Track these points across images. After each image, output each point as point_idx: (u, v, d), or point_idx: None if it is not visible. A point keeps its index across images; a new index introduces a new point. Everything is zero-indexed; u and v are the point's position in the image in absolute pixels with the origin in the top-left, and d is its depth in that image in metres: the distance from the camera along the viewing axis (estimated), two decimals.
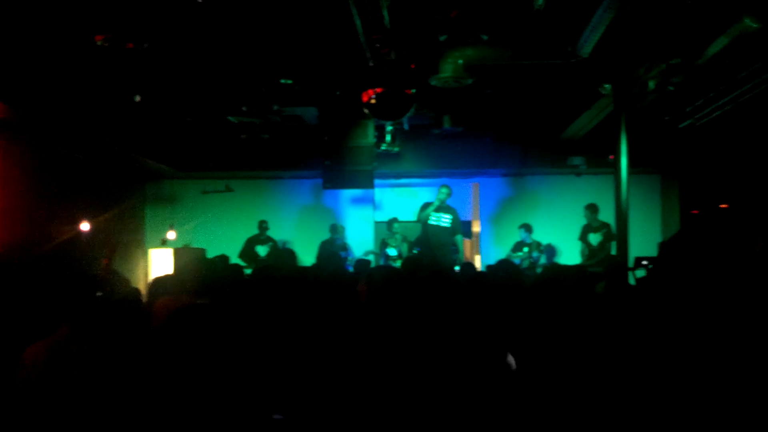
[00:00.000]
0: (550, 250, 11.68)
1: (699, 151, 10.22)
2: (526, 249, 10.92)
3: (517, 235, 11.17)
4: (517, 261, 10.44)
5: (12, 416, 3.00)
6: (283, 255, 6.59)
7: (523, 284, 5.23)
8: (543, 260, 11.03)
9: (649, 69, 7.34)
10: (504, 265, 6.48)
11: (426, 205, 10.19)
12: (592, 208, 10.55)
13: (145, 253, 12.37)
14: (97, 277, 4.26)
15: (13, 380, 3.02)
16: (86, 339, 3.11)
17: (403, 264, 7.22)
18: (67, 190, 9.46)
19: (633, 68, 7.51)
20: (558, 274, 4.43)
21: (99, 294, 3.22)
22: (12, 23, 6.29)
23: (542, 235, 11.27)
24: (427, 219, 10.02)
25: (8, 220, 7.95)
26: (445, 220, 10.02)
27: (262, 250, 10.90)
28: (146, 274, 12.04)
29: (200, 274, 3.99)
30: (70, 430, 2.95)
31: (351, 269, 8.29)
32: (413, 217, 10.95)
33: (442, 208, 10.07)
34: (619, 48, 7.11)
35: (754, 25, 5.73)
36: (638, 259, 7.55)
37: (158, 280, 4.98)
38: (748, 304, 2.63)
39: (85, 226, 9.54)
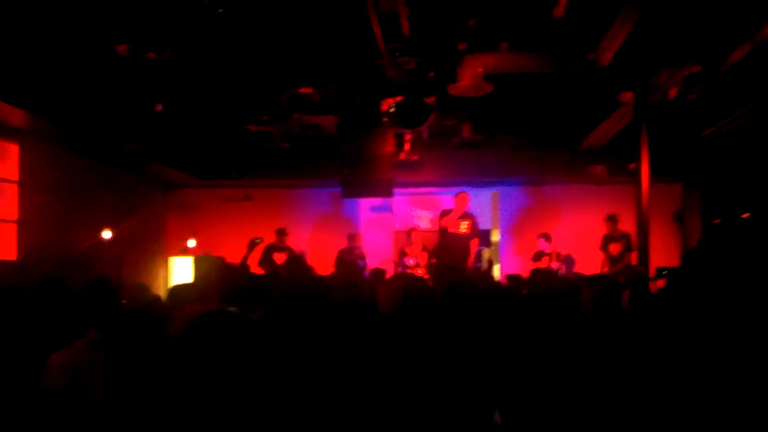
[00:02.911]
0: (570, 261, 11.61)
1: (721, 159, 10.12)
2: (545, 259, 10.86)
3: (536, 245, 11.11)
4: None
5: (37, 421, 3.03)
6: (300, 263, 6.59)
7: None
8: (564, 270, 10.97)
9: (670, 77, 7.30)
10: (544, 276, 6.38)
11: (445, 212, 10.16)
12: (612, 218, 10.47)
13: (166, 261, 12.45)
14: (122, 285, 4.31)
15: (39, 385, 3.04)
16: (111, 346, 3.13)
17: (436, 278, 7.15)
18: (90, 197, 9.54)
19: (654, 76, 7.47)
20: (581, 284, 4.40)
21: (125, 301, 3.25)
22: (36, 32, 6.38)
23: (562, 244, 11.20)
24: (447, 227, 9.99)
25: (31, 227, 8.04)
26: (464, 227, 9.98)
27: (279, 258, 10.92)
28: (166, 282, 12.11)
29: (221, 282, 4.00)
30: None
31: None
32: (432, 226, 10.93)
33: (460, 215, 10.04)
34: (640, 56, 7.08)
35: None
36: (659, 270, 7.49)
37: (177, 288, 4.99)
38: None
39: (107, 234, 9.62)
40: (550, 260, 10.79)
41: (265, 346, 1.88)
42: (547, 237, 11.01)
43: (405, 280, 3.29)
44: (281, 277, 5.85)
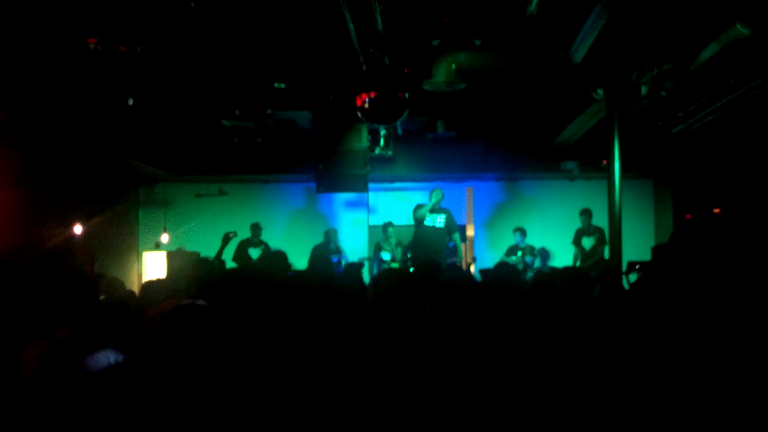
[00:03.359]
0: (544, 254, 11.72)
1: (692, 156, 10.26)
2: (519, 253, 10.95)
3: (511, 239, 11.20)
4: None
5: (12, 416, 3.01)
6: (275, 257, 6.54)
7: (521, 288, 5.23)
8: (537, 264, 11.06)
9: (641, 74, 7.38)
10: (504, 269, 6.44)
11: (420, 207, 10.19)
12: (586, 213, 10.57)
13: (139, 257, 12.36)
14: (97, 279, 4.28)
15: (14, 380, 3.03)
16: (85, 341, 3.12)
17: (417, 268, 7.16)
18: (60, 193, 9.44)
19: (625, 74, 7.54)
20: (553, 277, 4.45)
21: (102, 297, 3.23)
22: (4, 26, 6.29)
23: (536, 239, 11.30)
24: (423, 219, 10.02)
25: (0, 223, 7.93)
26: (440, 221, 10.02)
27: (254, 253, 10.88)
28: (140, 277, 12.03)
29: (194, 277, 3.99)
30: (69, 430, 2.96)
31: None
32: (407, 221, 10.96)
33: (435, 209, 10.09)
34: (612, 53, 7.14)
35: (745, 32, 5.76)
36: (631, 264, 7.58)
37: (150, 284, 4.97)
38: (742, 307, 2.65)
39: (78, 230, 9.52)
40: (524, 254, 10.88)
41: (236, 339, 1.89)
42: (521, 231, 11.10)
43: (390, 274, 3.31)
44: (256, 272, 5.82)
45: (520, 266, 10.73)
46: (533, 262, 10.92)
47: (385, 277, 3.22)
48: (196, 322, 1.86)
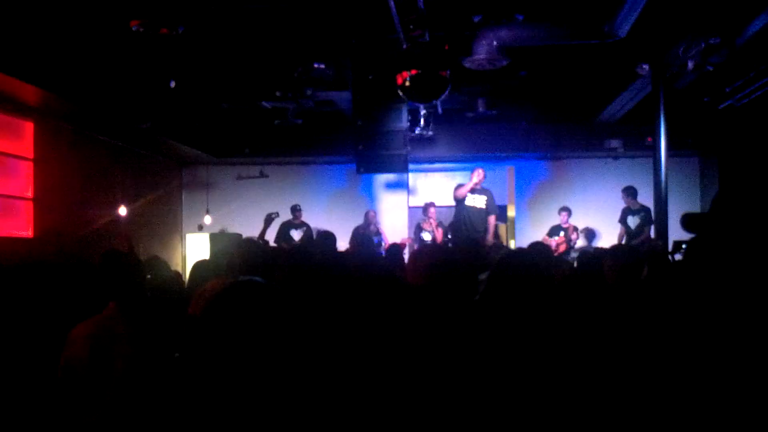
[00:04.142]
0: (588, 234, 11.58)
1: (739, 132, 10.01)
2: (562, 232, 10.82)
3: (554, 219, 11.07)
4: (553, 245, 10.34)
5: (59, 394, 3.05)
6: (325, 238, 6.57)
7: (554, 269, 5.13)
8: (579, 244, 10.93)
9: (687, 49, 7.20)
10: (538, 247, 6.35)
11: (460, 187, 10.15)
12: (630, 191, 10.41)
13: (182, 238, 12.52)
14: (145, 259, 4.33)
15: (61, 358, 3.07)
16: (133, 319, 3.14)
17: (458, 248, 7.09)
18: (104, 175, 9.59)
19: (671, 48, 7.37)
20: (601, 257, 4.37)
21: (148, 276, 3.26)
22: (49, 9, 6.37)
23: (579, 218, 11.16)
24: (464, 199, 9.97)
25: (46, 205, 8.09)
26: (480, 201, 9.98)
27: (296, 235, 10.95)
28: (183, 259, 12.19)
29: (240, 257, 4.00)
30: (115, 409, 2.99)
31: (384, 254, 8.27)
32: (448, 202, 10.91)
33: (476, 190, 10.03)
34: (657, 28, 6.98)
35: None
36: (677, 243, 7.44)
37: (199, 264, 5.02)
38: None
39: (122, 211, 9.67)
40: (568, 234, 10.75)
41: (293, 318, 1.87)
42: (567, 210, 10.96)
43: (432, 252, 3.27)
44: (303, 252, 5.84)
45: (565, 245, 10.60)
46: (575, 241, 10.78)
47: (426, 255, 3.18)
48: (259, 298, 1.84)
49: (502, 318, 2.88)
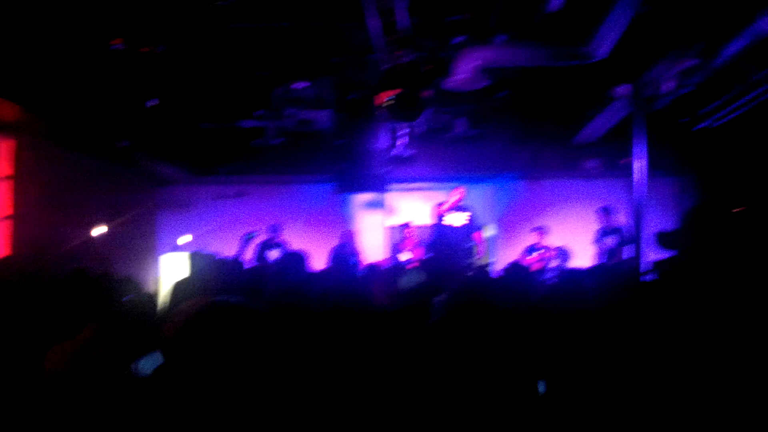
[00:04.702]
0: (563, 254, 11.62)
1: (715, 152, 10.14)
2: (536, 252, 10.85)
3: (530, 239, 11.10)
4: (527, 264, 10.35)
5: (35, 416, 2.98)
6: (292, 259, 6.50)
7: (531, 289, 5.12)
8: (555, 263, 10.96)
9: (665, 71, 7.29)
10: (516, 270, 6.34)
11: (439, 206, 10.15)
12: (605, 211, 10.48)
13: (158, 259, 12.38)
14: (121, 281, 4.25)
15: (37, 380, 3.00)
16: (110, 341, 3.08)
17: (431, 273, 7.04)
18: (82, 194, 9.47)
19: (649, 70, 7.46)
20: (582, 277, 4.37)
21: (126, 298, 3.21)
22: (28, 26, 6.30)
23: (556, 238, 11.19)
24: (442, 219, 9.97)
25: (23, 223, 7.96)
26: (459, 221, 9.98)
27: (273, 255, 10.86)
28: (157, 279, 12.05)
29: (214, 278, 3.95)
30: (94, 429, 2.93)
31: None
32: (426, 221, 10.90)
33: (455, 209, 10.04)
34: (636, 50, 7.06)
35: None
36: (653, 262, 7.47)
37: (180, 283, 4.96)
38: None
39: (98, 230, 9.56)
40: (543, 253, 10.77)
41: (268, 338, 1.84)
42: (541, 230, 11.00)
43: (388, 274, 3.26)
44: (276, 273, 5.80)
45: (540, 264, 10.62)
46: (550, 260, 10.80)
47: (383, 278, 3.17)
48: (233, 319, 1.81)
49: (452, 345, 2.84)
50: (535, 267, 10.51)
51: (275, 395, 1.87)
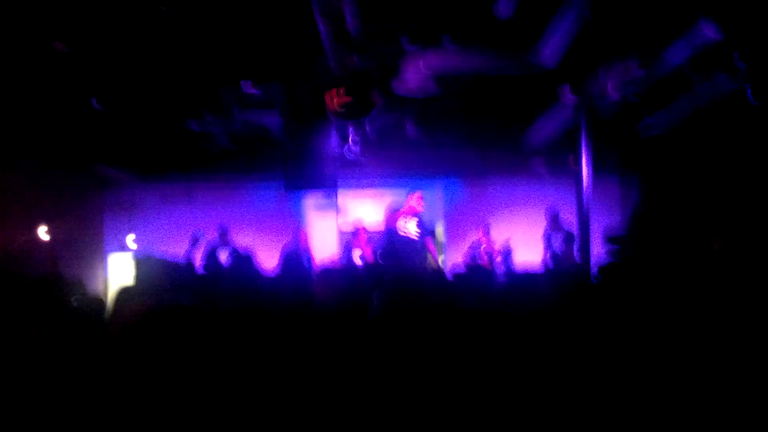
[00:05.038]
0: (508, 252, 11.75)
1: (660, 157, 10.38)
2: (480, 247, 11.02)
3: (475, 236, 11.29)
4: (470, 260, 10.57)
5: None
6: (243, 260, 6.48)
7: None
8: (506, 261, 11.11)
9: (610, 78, 7.44)
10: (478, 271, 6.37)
11: (390, 209, 10.05)
12: (552, 212, 10.66)
13: (105, 260, 12.19)
14: (67, 282, 4.19)
15: None
16: (53, 343, 3.04)
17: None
18: (24, 196, 9.27)
19: (596, 78, 7.61)
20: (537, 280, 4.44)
21: (73, 299, 3.17)
22: None
23: (504, 237, 11.34)
24: (393, 222, 9.86)
25: None
26: (410, 224, 9.88)
27: (222, 256, 10.77)
28: (105, 281, 11.87)
29: (162, 282, 3.92)
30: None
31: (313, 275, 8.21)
32: (377, 222, 10.90)
33: (406, 213, 9.97)
34: (582, 58, 7.20)
35: (709, 32, 5.87)
36: (600, 267, 7.63)
37: (122, 289, 4.88)
38: (706, 302, 2.67)
39: (42, 232, 9.37)
40: (486, 250, 10.93)
41: (219, 339, 1.85)
42: (484, 227, 11.14)
43: (330, 273, 3.27)
44: (226, 276, 5.77)
45: (485, 259, 10.82)
46: (494, 255, 10.95)
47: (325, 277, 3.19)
48: (183, 321, 1.82)
49: (386, 342, 2.86)
50: (482, 263, 10.68)
51: (225, 395, 1.88)
